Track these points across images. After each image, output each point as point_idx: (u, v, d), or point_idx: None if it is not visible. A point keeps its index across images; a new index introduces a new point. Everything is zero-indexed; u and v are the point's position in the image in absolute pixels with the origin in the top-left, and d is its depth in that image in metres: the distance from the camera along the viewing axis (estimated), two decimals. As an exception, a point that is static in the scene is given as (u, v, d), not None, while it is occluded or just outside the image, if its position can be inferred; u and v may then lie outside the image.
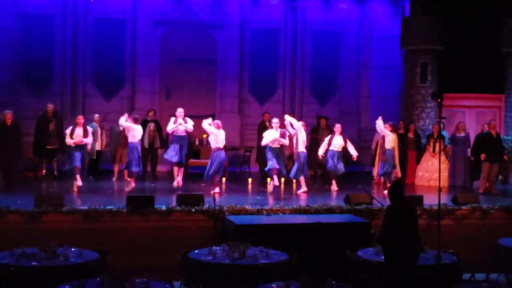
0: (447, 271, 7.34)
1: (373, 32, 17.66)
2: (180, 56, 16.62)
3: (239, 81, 17.04)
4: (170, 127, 12.59)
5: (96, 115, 13.97)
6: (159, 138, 14.44)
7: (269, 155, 12.15)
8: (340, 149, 12.76)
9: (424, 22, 15.83)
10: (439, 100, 6.88)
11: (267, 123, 14.55)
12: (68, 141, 12.05)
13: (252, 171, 15.75)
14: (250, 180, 13.41)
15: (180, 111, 12.68)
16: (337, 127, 12.89)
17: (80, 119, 12.40)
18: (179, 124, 12.49)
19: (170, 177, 13.01)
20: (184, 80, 16.65)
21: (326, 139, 12.88)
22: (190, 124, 12.63)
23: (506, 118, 15.94)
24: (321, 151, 12.78)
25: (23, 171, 13.70)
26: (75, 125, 12.23)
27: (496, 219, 10.64)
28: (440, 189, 7.31)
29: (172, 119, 12.72)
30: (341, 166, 12.72)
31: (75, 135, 12.05)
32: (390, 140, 12.80)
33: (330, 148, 12.72)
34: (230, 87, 16.98)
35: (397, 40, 16.50)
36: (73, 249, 7.47)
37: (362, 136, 17.33)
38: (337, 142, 12.71)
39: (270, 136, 12.22)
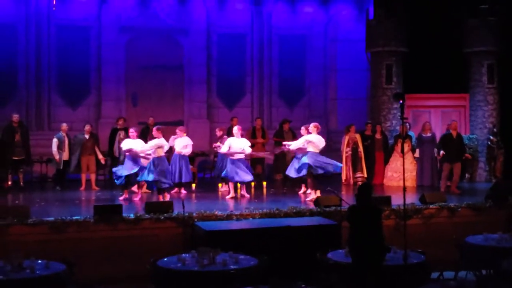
0: (415, 270, 7.38)
1: (339, 35, 17.83)
2: (146, 62, 16.50)
3: (207, 86, 17.00)
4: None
5: (64, 124, 13.77)
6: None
7: None
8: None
9: (388, 25, 15.99)
10: (400, 101, 6.93)
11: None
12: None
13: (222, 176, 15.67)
14: (220, 185, 13.38)
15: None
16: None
17: (133, 132, 12.23)
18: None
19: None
20: (151, 86, 16.54)
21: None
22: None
23: (471, 117, 16.15)
24: None
25: (-12, 182, 13.45)
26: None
27: (463, 217, 10.76)
28: (405, 189, 7.37)
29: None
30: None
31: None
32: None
33: None
34: (198, 92, 16.93)
35: (363, 43, 16.65)
36: (39, 261, 7.35)
37: (331, 138, 17.41)
38: None
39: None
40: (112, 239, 9.22)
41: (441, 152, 13.15)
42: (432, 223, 10.62)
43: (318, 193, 11.50)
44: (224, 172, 12.34)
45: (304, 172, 11.75)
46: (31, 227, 9.01)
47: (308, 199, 11.70)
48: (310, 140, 11.73)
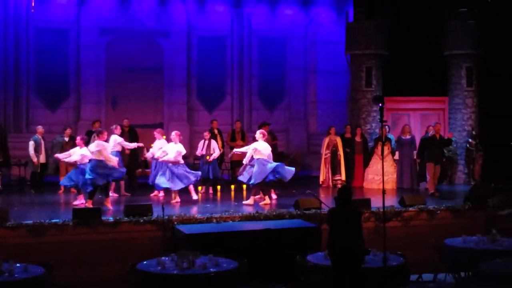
0: (395, 273, 7.43)
1: (319, 37, 17.89)
2: (126, 64, 16.43)
3: (187, 88, 16.96)
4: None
5: (40, 127, 13.65)
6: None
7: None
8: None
9: (367, 27, 16.03)
10: (380, 104, 6.97)
11: (216, 131, 14.49)
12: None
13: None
14: (200, 188, 13.34)
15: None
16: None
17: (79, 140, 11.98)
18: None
19: (117, 188, 12.86)
20: (130, 88, 16.47)
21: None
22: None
23: (450, 120, 16.26)
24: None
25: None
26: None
27: (442, 220, 10.84)
28: (384, 192, 7.41)
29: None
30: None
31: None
32: None
33: None
34: (178, 95, 16.89)
35: (342, 45, 16.69)
36: (18, 264, 7.30)
37: (311, 141, 17.50)
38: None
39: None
40: (91, 242, 9.15)
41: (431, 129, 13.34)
42: (412, 225, 10.69)
43: (268, 199, 11.61)
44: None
45: (253, 181, 11.61)
46: (10, 230, 8.92)
47: (261, 203, 11.59)
48: (257, 148, 11.72)
